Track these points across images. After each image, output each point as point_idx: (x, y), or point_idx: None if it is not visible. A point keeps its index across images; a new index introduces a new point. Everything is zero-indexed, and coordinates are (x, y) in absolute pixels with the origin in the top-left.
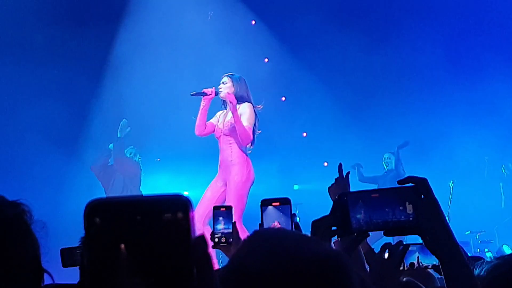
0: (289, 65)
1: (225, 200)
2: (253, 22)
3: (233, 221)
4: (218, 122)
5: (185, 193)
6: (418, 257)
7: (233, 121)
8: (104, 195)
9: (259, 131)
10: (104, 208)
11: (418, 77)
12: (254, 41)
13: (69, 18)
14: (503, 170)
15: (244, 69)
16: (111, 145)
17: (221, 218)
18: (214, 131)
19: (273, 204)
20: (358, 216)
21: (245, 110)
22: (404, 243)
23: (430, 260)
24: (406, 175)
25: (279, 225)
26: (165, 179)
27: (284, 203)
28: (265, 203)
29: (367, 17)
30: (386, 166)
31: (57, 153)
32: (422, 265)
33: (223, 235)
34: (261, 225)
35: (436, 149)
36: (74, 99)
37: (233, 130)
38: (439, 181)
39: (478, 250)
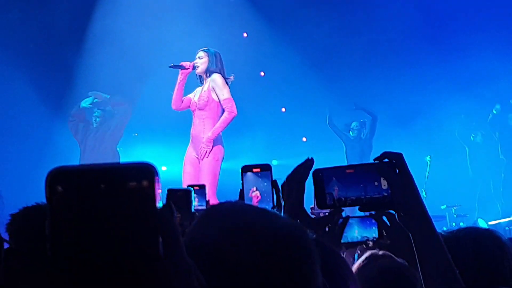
0: (268, 40)
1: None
2: None
3: (206, 199)
4: (194, 96)
5: (163, 168)
6: (356, 231)
7: (205, 95)
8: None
9: (232, 77)
10: (67, 176)
11: (396, 53)
12: (233, 16)
13: None
14: (472, 138)
15: (223, 44)
16: (89, 102)
17: (195, 196)
18: (190, 106)
19: (254, 170)
20: (333, 192)
21: (216, 82)
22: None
23: (369, 233)
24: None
25: (257, 192)
26: (142, 153)
27: (264, 169)
28: (246, 169)
29: None
30: (352, 133)
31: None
32: (363, 238)
33: (198, 213)
34: (241, 190)
35: (413, 123)
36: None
37: (206, 105)
38: (416, 156)
39: (453, 224)
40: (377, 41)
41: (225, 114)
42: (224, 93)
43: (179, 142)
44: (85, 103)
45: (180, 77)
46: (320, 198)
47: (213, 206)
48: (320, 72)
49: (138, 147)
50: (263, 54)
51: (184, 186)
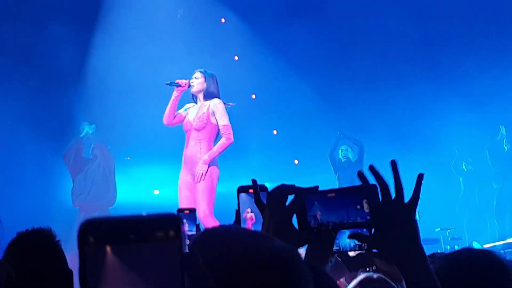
0: (259, 63)
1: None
2: (223, 20)
3: (197, 223)
4: (188, 115)
5: (156, 192)
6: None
7: (204, 117)
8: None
9: (231, 104)
10: (98, 227)
11: (389, 74)
12: (224, 39)
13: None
14: (463, 166)
15: (213, 67)
16: (83, 133)
17: (185, 221)
18: (182, 122)
19: (249, 191)
20: (316, 216)
21: (218, 107)
22: None
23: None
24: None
25: (252, 213)
26: (135, 177)
27: (260, 190)
28: (241, 190)
29: (337, 14)
30: (343, 158)
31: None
32: (356, 245)
33: (187, 238)
34: (237, 211)
35: (408, 143)
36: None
37: (204, 127)
38: (409, 176)
39: (448, 247)
40: (372, 63)
41: (223, 139)
42: (224, 119)
43: (170, 164)
44: (90, 128)
45: (175, 93)
46: (303, 220)
47: (206, 231)
48: (312, 95)
49: (132, 171)
50: (254, 77)
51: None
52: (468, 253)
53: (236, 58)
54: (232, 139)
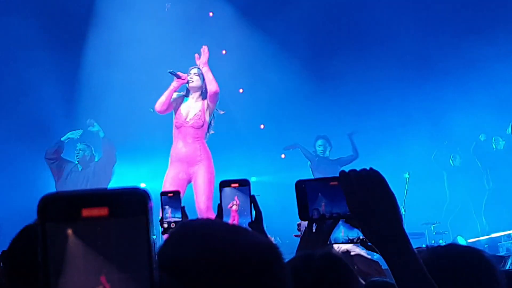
0: (247, 57)
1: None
2: (211, 14)
3: (181, 205)
4: (180, 110)
5: (142, 185)
6: (343, 231)
7: (200, 115)
8: (54, 186)
9: (212, 132)
10: (58, 202)
11: (377, 70)
12: (211, 33)
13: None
14: (451, 161)
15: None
16: (64, 137)
17: (168, 206)
18: (171, 111)
19: (232, 185)
20: (319, 208)
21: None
22: None
23: (354, 233)
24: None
25: (236, 204)
26: (120, 170)
27: (243, 185)
28: (224, 184)
29: (329, 6)
30: (322, 154)
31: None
32: (348, 238)
33: (172, 221)
34: (219, 205)
35: (392, 139)
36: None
37: (201, 125)
38: (395, 172)
39: (433, 241)
40: (362, 58)
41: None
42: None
43: (158, 158)
44: (72, 134)
45: (174, 84)
46: (302, 209)
47: (184, 223)
48: (300, 89)
49: (118, 164)
50: (242, 71)
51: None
52: (457, 249)
53: (224, 52)
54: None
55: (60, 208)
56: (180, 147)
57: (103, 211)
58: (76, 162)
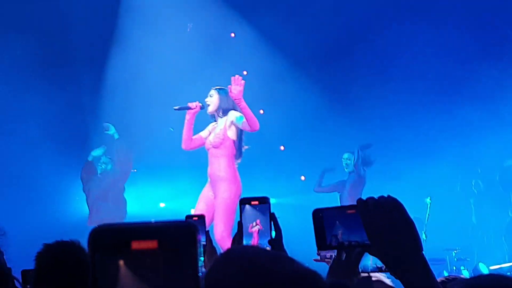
0: (268, 78)
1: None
2: (232, 34)
3: (206, 229)
4: (208, 134)
5: (161, 205)
6: (371, 258)
7: (220, 134)
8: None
9: (246, 147)
10: (108, 234)
11: (395, 92)
12: (233, 54)
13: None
14: (473, 188)
15: (222, 83)
16: (90, 157)
17: None
18: (203, 144)
19: (252, 203)
20: (337, 235)
21: (235, 113)
22: None
23: None
24: (366, 176)
25: (259, 224)
26: (141, 189)
27: (262, 202)
28: (244, 201)
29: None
30: (346, 168)
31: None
32: (376, 266)
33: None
34: (240, 223)
35: (412, 163)
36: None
37: (221, 143)
38: (415, 197)
39: (454, 268)
40: (382, 80)
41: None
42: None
43: (176, 177)
44: (95, 152)
45: (187, 117)
46: (320, 238)
47: (225, 253)
48: (321, 111)
49: (138, 183)
50: (263, 92)
51: None
52: (491, 279)
53: (245, 73)
54: (257, 125)
55: (110, 240)
56: (209, 167)
57: (152, 244)
58: (99, 174)
